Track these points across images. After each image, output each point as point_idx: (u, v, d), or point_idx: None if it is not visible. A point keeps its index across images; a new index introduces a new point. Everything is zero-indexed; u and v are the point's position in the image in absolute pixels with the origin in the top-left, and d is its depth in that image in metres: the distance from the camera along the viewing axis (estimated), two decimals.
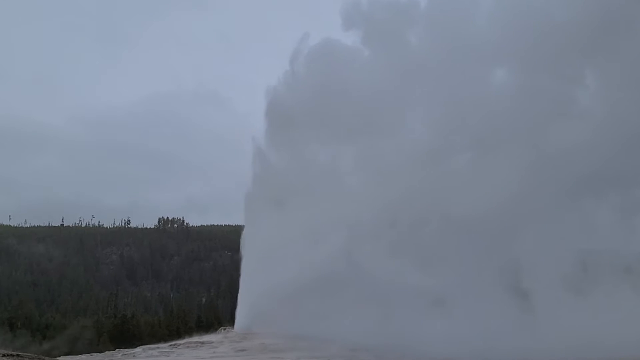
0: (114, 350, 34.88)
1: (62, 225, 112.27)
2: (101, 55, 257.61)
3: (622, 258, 33.00)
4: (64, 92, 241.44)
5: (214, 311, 57.49)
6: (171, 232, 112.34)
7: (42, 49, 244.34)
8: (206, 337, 36.84)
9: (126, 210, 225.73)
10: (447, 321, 29.11)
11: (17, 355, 15.32)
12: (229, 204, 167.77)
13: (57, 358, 25.18)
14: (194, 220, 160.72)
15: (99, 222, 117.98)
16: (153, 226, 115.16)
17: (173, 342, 35.39)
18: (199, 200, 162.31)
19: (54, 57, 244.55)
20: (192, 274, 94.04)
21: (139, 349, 33.40)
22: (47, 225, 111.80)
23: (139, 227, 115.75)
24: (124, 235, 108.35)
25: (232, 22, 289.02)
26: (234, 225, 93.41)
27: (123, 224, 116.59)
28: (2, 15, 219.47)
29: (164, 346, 33.80)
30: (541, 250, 31.70)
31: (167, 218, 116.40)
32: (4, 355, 14.62)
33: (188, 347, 32.98)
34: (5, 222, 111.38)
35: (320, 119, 38.47)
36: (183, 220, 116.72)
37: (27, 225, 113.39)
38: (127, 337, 42.72)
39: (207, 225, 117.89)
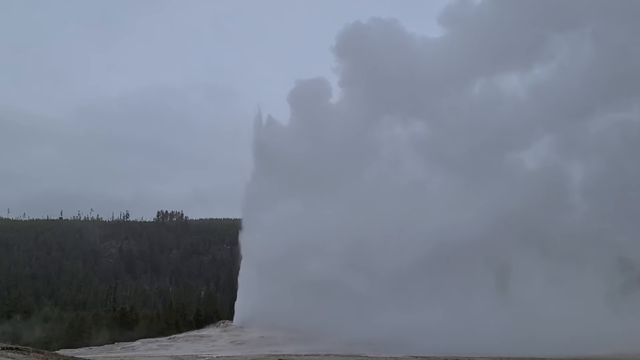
0: (113, 343, 34.97)
1: (61, 218, 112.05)
2: (99, 48, 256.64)
3: None
4: (64, 85, 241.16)
5: (213, 305, 57.51)
6: (170, 225, 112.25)
7: (42, 42, 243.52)
8: (205, 331, 37.03)
9: (125, 203, 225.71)
10: None
11: (17, 348, 15.33)
12: (228, 197, 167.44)
13: (57, 351, 25.18)
14: (193, 213, 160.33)
15: (97, 215, 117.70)
16: (152, 219, 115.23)
17: (172, 336, 35.56)
18: (199, 194, 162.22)
19: (52, 49, 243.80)
20: (191, 268, 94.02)
21: (138, 342, 33.52)
22: (46, 218, 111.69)
23: (138, 220, 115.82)
24: (123, 228, 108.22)
25: (231, 15, 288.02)
26: (233, 218, 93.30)
27: (122, 218, 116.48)
28: None
29: (163, 339, 33.96)
30: None
31: (166, 211, 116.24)
32: (3, 349, 14.61)
33: (187, 340, 33.14)
34: (4, 216, 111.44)
35: None
36: (182, 214, 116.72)
37: (26, 218, 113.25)
38: (126, 330, 42.77)
39: (206, 219, 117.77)
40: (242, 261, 40.50)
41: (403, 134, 42.15)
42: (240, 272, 40.33)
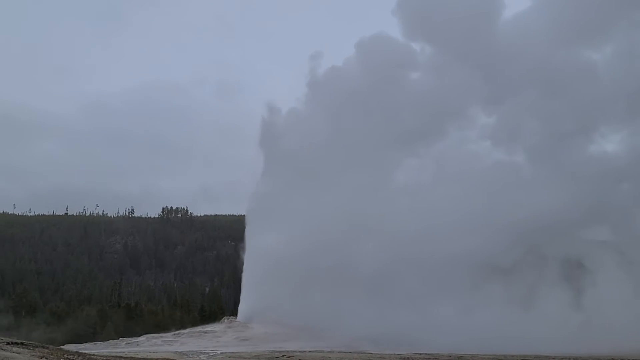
0: (118, 339, 35.04)
1: (66, 214, 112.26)
2: (104, 43, 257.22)
3: None
4: (69, 80, 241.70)
5: (217, 301, 57.67)
6: (175, 221, 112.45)
7: (48, 37, 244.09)
8: (209, 327, 37.04)
9: (130, 199, 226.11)
10: None
11: (22, 343, 15.37)
12: (233, 194, 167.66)
13: (61, 346, 25.25)
14: (197, 209, 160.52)
15: (103, 211, 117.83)
16: (157, 215, 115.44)
17: (176, 331, 35.60)
18: (204, 190, 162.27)
19: (57, 44, 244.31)
20: (196, 264, 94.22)
21: (142, 338, 33.57)
22: (52, 214, 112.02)
23: (143, 216, 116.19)
24: (128, 224, 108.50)
25: (236, 9, 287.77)
26: (237, 215, 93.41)
27: (127, 213, 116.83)
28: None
29: (167, 335, 33.99)
30: None
31: (171, 207, 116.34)
32: (8, 344, 14.65)
33: (191, 336, 33.16)
34: (10, 211, 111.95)
35: None
36: (187, 210, 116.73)
37: (32, 214, 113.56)
38: (130, 326, 42.89)
39: (211, 215, 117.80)
40: (246, 256, 40.32)
41: (478, 117, 39.70)
42: (244, 267, 40.21)
